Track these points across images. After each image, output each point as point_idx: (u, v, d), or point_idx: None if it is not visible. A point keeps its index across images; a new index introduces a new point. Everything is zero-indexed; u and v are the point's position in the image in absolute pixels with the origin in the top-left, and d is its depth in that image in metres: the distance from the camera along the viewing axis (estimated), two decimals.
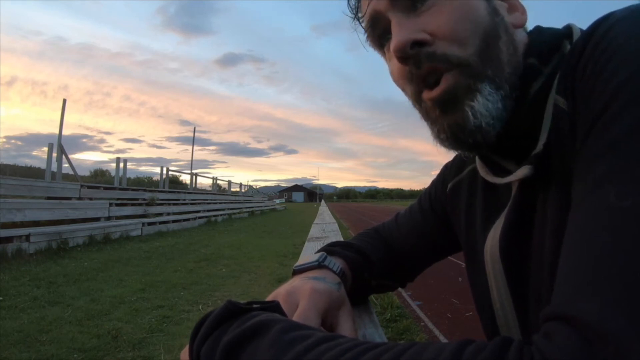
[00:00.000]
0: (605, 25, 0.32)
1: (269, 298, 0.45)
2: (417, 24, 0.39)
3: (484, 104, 0.37)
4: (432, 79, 0.40)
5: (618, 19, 0.31)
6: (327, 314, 0.44)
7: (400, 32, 0.39)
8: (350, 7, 0.47)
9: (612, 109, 0.27)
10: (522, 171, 0.39)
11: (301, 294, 0.44)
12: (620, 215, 0.23)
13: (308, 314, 0.42)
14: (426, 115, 0.43)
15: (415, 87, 0.41)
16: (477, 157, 0.49)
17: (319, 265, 0.53)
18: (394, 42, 0.39)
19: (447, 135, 0.40)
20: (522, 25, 0.43)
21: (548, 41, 0.41)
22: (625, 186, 0.24)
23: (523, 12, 0.44)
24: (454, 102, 0.39)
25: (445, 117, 0.40)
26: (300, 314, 0.41)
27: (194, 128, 26.96)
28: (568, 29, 0.41)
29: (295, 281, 0.49)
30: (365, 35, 0.46)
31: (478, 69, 0.38)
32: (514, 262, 0.42)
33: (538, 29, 0.43)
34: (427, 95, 0.40)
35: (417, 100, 0.42)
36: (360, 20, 0.46)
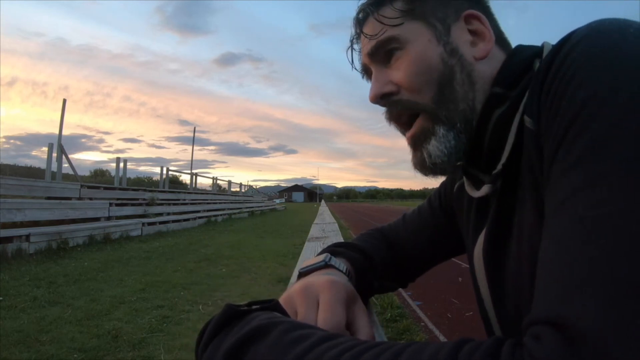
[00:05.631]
0: (567, 45, 0.33)
1: (282, 298, 0.44)
2: (387, 75, 0.48)
3: (436, 146, 0.45)
4: (404, 119, 0.49)
5: (579, 39, 0.32)
6: (346, 308, 0.43)
7: (373, 86, 0.49)
8: (354, 50, 0.54)
9: (577, 123, 0.29)
10: (484, 189, 0.46)
11: (320, 287, 0.44)
12: (589, 224, 0.25)
13: (334, 306, 0.41)
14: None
15: (397, 126, 0.51)
16: (462, 171, 0.53)
17: (325, 265, 0.53)
18: (369, 95, 0.49)
19: (416, 168, 0.49)
20: (485, 56, 0.46)
21: (517, 66, 0.44)
22: (592, 197, 0.26)
23: (489, 39, 0.47)
24: (417, 144, 0.47)
25: (413, 155, 0.49)
26: (327, 306, 0.41)
27: (194, 128, 26.99)
28: (542, 46, 0.43)
29: (309, 278, 0.48)
30: (363, 77, 0.55)
31: (434, 113, 0.45)
32: (494, 265, 0.45)
33: (513, 53, 0.46)
34: (406, 135, 0.49)
35: (403, 135, 0.51)
36: (357, 68, 0.55)
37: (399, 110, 0.48)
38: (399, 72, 0.47)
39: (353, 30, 0.53)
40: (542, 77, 0.34)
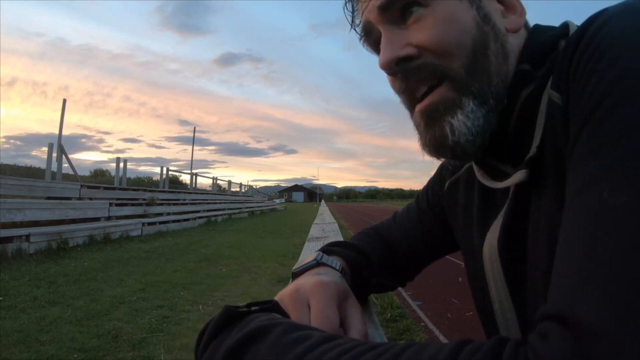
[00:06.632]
0: (599, 21, 0.31)
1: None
2: (404, 37, 0.40)
3: (464, 122, 0.38)
4: (420, 92, 0.41)
5: (611, 15, 0.31)
6: (338, 306, 0.43)
7: (387, 48, 0.40)
8: (349, 11, 0.47)
9: (604, 106, 0.27)
10: (518, 176, 0.39)
11: (309, 289, 0.43)
12: (613, 213, 0.24)
13: (326, 310, 0.40)
14: (416, 126, 0.44)
15: (407, 100, 0.44)
16: (473, 161, 0.49)
17: (317, 263, 0.52)
18: (380, 60, 0.41)
19: (429, 148, 0.42)
20: (517, 29, 0.42)
21: (543, 43, 0.40)
22: (618, 184, 0.24)
23: (521, 13, 0.43)
24: (436, 117, 0.40)
25: (428, 131, 0.41)
26: (318, 311, 0.40)
27: (194, 128, 26.97)
28: (565, 27, 0.41)
29: (299, 280, 0.47)
30: (362, 40, 0.47)
31: (464, 83, 0.39)
32: (512, 262, 0.42)
33: (534, 31, 0.43)
34: (417, 107, 0.42)
35: (410, 111, 0.44)
36: (356, 28, 0.47)
37: (422, 77, 0.40)
38: (421, 33, 0.39)
39: None
40: (571, 53, 0.32)
